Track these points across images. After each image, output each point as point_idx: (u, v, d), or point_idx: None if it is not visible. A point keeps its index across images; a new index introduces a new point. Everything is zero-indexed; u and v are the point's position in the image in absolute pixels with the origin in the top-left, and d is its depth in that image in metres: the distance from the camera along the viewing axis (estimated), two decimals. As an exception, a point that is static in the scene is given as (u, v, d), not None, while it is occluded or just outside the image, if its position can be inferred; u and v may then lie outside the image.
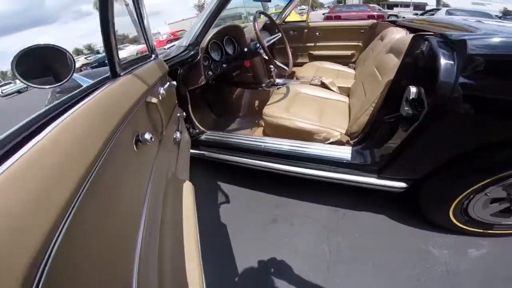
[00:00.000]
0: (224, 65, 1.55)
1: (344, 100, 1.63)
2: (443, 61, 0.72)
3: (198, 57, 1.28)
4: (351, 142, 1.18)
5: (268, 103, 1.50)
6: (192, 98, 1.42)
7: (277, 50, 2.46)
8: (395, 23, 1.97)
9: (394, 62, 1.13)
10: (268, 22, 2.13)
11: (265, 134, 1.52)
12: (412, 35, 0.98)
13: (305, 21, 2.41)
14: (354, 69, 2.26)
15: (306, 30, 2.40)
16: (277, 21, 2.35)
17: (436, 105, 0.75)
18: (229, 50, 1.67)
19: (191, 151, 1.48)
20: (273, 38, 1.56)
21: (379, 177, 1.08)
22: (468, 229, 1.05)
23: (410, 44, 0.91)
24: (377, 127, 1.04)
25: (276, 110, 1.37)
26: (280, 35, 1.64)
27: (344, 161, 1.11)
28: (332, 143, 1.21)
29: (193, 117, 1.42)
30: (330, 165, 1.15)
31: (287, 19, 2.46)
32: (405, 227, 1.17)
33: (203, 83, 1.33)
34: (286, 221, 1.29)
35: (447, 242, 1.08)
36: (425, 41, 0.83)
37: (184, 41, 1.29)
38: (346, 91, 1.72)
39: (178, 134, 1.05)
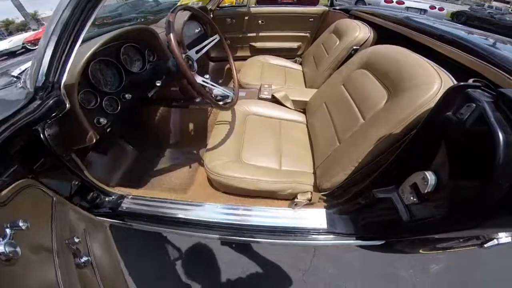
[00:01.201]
0: (127, 97, 1.04)
1: (301, 120, 1.38)
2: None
3: (67, 106, 0.73)
4: (324, 203, 0.95)
5: (209, 146, 1.11)
6: (85, 152, 0.92)
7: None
8: (348, 12, 1.75)
9: (377, 91, 0.88)
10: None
11: (210, 182, 1.17)
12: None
13: (245, 5, 1.94)
14: (300, 63, 2.01)
15: (246, 18, 1.95)
16: (210, 6, 1.82)
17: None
18: (135, 66, 1.13)
19: (113, 221, 1.03)
20: (205, 46, 1.12)
21: (357, 239, 0.91)
22: (432, 253, 1.14)
23: (442, 101, 0.57)
24: (361, 196, 0.82)
25: (223, 166, 1.02)
26: (217, 38, 1.20)
27: (320, 231, 0.89)
28: (299, 202, 0.96)
29: (96, 183, 0.94)
30: (299, 235, 0.91)
31: (223, 2, 1.95)
32: (373, 253, 1.24)
33: (94, 141, 0.84)
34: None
35: (411, 262, 1.27)
36: (467, 99, 0.50)
37: (28, 82, 0.68)
38: (301, 106, 1.46)
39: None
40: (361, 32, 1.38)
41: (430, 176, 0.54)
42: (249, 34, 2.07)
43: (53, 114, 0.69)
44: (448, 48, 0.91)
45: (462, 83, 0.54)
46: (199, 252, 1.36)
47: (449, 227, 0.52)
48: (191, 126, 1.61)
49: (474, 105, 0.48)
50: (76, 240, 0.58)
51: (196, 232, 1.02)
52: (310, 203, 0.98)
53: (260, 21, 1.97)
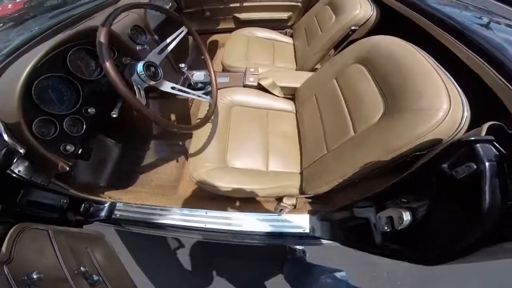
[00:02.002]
0: (90, 111, 0.88)
1: (289, 108, 1.29)
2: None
3: (21, 152, 0.66)
4: (308, 207, 0.94)
5: (191, 149, 1.05)
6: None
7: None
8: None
9: (373, 98, 0.78)
10: None
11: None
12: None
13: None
14: (291, 36, 1.82)
15: (226, -15, 1.69)
16: None
17: None
18: (92, 71, 0.93)
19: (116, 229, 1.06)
20: (169, 44, 0.94)
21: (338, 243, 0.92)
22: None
23: (442, 152, 0.50)
24: (342, 209, 0.80)
25: (208, 174, 0.97)
26: (182, 32, 1.00)
27: (303, 235, 0.90)
28: (284, 208, 0.96)
29: (85, 196, 0.97)
30: (283, 238, 0.93)
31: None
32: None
33: (67, 169, 0.77)
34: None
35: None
36: (470, 157, 0.44)
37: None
38: (290, 92, 1.36)
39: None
40: (361, 9, 1.19)
41: (406, 217, 0.54)
42: (231, 5, 1.81)
43: (13, 159, 0.63)
44: (472, 57, 0.73)
45: (472, 138, 0.44)
46: (193, 250, 1.43)
47: (416, 261, 0.53)
48: (172, 116, 1.51)
49: (475, 166, 0.43)
50: (83, 269, 0.61)
51: (186, 236, 1.07)
52: (294, 209, 1.00)
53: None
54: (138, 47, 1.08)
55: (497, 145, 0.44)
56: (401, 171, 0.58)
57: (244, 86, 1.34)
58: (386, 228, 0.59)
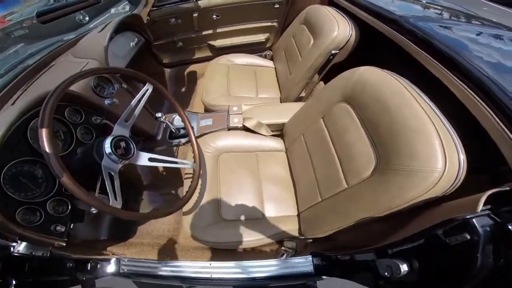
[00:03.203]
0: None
1: (279, 147, 1.23)
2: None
3: (12, 249, 0.66)
4: (310, 248, 0.93)
5: (182, 211, 1.00)
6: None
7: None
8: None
9: (364, 148, 0.73)
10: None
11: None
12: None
13: (189, 0, 1.56)
14: (271, 58, 1.73)
15: (195, 14, 1.59)
16: (138, 11, 1.45)
17: None
18: (62, 142, 0.83)
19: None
20: (135, 107, 0.85)
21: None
22: None
23: (439, 225, 0.51)
24: (342, 251, 0.80)
25: (204, 231, 0.96)
26: (148, 90, 0.90)
27: (308, 275, 0.92)
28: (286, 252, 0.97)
29: (88, 257, 0.94)
30: (288, 281, 0.95)
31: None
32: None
33: (64, 244, 0.79)
34: None
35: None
36: (464, 228, 0.46)
37: None
38: (277, 128, 1.29)
39: None
40: (340, 30, 1.11)
41: (403, 268, 0.56)
42: (204, 33, 1.71)
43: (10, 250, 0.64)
44: (464, 91, 0.67)
45: (468, 216, 0.42)
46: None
47: None
48: (160, 167, 1.46)
49: (469, 237, 0.44)
50: None
51: (194, 286, 1.07)
52: (296, 254, 0.98)
53: (214, 16, 1.60)
54: (107, 101, 0.96)
55: (493, 216, 0.45)
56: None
57: (229, 129, 1.28)
58: (385, 273, 0.61)
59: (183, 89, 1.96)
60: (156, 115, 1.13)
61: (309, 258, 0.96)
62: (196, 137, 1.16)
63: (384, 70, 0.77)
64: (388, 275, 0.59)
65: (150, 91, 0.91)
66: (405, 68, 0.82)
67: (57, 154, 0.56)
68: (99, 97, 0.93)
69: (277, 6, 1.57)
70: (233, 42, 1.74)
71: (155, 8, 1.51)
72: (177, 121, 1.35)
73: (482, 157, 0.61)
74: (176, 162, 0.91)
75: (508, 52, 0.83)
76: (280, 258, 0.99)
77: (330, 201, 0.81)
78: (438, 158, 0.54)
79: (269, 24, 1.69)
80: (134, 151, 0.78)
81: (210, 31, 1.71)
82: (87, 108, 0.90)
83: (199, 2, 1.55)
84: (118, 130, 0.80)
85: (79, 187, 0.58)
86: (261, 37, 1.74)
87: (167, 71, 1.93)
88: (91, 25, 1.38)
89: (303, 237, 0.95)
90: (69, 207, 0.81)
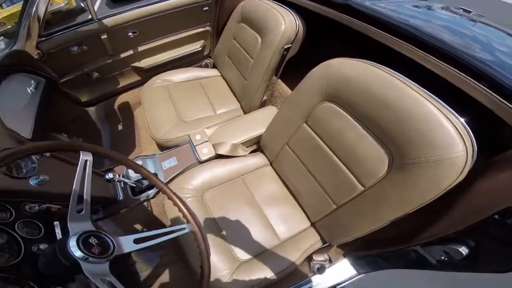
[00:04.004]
0: None
1: (262, 162, 1.11)
2: None
3: None
4: (343, 252, 0.91)
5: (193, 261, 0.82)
6: None
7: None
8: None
9: (368, 146, 0.68)
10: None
11: None
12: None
13: (91, 19, 1.21)
14: (214, 66, 1.55)
15: (104, 36, 1.25)
16: (20, 46, 1.06)
17: None
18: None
19: None
20: (81, 192, 0.59)
21: None
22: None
23: None
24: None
25: (227, 280, 0.81)
26: (87, 160, 0.64)
27: (354, 277, 0.95)
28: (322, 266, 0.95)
29: None
30: None
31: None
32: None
33: None
34: None
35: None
36: None
37: None
38: (253, 142, 1.15)
39: None
40: (287, 23, 1.01)
41: (464, 250, 0.59)
42: (123, 55, 1.38)
43: None
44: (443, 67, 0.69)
45: None
46: None
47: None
48: (140, 224, 1.15)
49: None
50: None
51: None
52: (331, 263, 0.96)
53: (130, 34, 1.30)
54: (32, 182, 0.67)
55: None
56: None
57: (201, 162, 1.07)
58: (442, 257, 0.63)
59: (120, 127, 1.60)
60: (106, 176, 0.87)
61: (348, 261, 0.97)
62: (167, 183, 0.93)
63: (358, 60, 0.72)
64: (446, 259, 0.61)
65: (91, 160, 0.64)
66: (363, 51, 0.80)
67: None
68: (18, 180, 0.65)
69: (205, 8, 1.36)
70: (163, 59, 1.47)
71: (44, 39, 1.13)
72: (132, 173, 1.07)
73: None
74: (167, 233, 0.69)
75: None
76: (319, 272, 0.95)
77: (349, 206, 0.76)
78: (457, 141, 0.52)
79: (202, 29, 1.47)
80: (112, 241, 0.54)
81: (131, 52, 1.39)
82: (11, 199, 0.61)
83: (104, 21, 1.22)
84: (76, 227, 0.54)
85: None
86: (196, 46, 1.51)
87: (91, 110, 1.53)
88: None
89: (330, 247, 0.91)
90: None
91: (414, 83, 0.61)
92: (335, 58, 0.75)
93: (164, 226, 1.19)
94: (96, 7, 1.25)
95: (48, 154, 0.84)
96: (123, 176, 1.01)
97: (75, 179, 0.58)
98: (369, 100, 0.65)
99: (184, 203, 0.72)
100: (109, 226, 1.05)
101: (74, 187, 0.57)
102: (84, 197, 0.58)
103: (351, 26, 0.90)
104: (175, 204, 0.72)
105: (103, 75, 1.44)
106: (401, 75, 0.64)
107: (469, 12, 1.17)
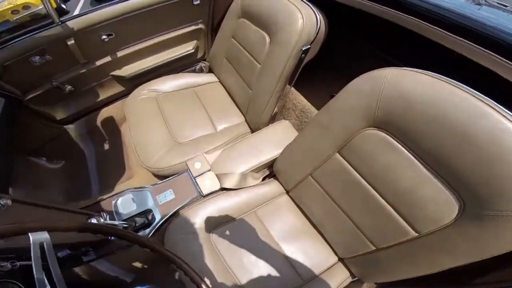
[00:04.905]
0: None
1: (277, 190, 0.93)
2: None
3: None
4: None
5: None
6: None
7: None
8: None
9: (430, 188, 0.53)
10: None
11: None
12: None
13: (50, 22, 0.95)
14: (210, 71, 1.31)
15: (71, 41, 1.00)
16: None
17: None
18: None
19: None
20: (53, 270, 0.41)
21: None
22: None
23: None
24: None
25: None
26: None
27: None
28: None
29: None
30: None
31: None
32: None
33: None
34: None
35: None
36: None
37: None
38: (264, 167, 0.95)
39: None
40: (305, 18, 0.78)
41: None
42: (98, 63, 1.13)
43: None
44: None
45: None
46: None
47: None
48: (137, 264, 0.97)
49: None
50: None
51: None
52: None
53: (104, 37, 1.04)
54: None
55: None
56: None
57: (204, 196, 0.88)
58: None
59: (106, 147, 1.38)
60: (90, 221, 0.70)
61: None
62: (163, 223, 0.81)
63: (421, 71, 0.52)
64: None
65: (48, 242, 0.44)
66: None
67: None
68: None
69: (197, 2, 1.10)
70: (149, 65, 1.22)
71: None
72: (123, 206, 0.87)
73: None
74: None
75: None
76: None
77: (394, 250, 0.63)
78: None
79: (193, 28, 1.20)
80: None
81: (108, 59, 1.14)
82: None
83: (69, 23, 0.97)
84: None
85: None
86: (187, 48, 1.25)
87: (70, 128, 1.31)
88: None
89: (357, 279, 0.80)
90: None
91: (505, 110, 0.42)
92: (386, 68, 0.55)
93: (167, 264, 1.02)
94: (79, 7, 1.00)
95: (9, 202, 0.64)
96: (111, 217, 0.82)
97: (33, 268, 0.40)
98: (440, 131, 0.47)
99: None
100: (103, 265, 0.89)
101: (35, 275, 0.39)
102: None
103: (396, 21, 0.67)
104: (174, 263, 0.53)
105: (78, 87, 1.20)
106: (486, 97, 0.44)
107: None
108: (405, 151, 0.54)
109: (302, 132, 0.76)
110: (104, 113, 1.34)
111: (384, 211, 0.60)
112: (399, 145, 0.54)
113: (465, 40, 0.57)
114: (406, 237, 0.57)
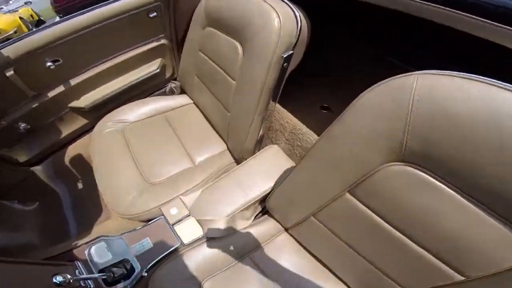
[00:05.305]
0: None
1: (275, 228, 0.79)
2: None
3: None
4: None
5: None
6: None
7: None
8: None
9: (478, 229, 0.40)
10: None
11: None
12: None
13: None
14: (183, 91, 1.14)
15: (10, 72, 0.82)
16: None
17: None
18: None
19: None
20: None
21: None
22: None
23: None
24: None
25: None
26: None
27: None
28: None
29: None
30: None
31: None
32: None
33: None
34: None
35: None
36: None
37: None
38: (256, 202, 0.78)
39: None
40: (281, 17, 0.62)
41: None
42: (51, 94, 0.96)
43: None
44: None
45: None
46: None
47: None
48: None
49: None
50: None
51: None
52: None
53: (49, 63, 0.87)
54: None
55: None
56: None
57: (186, 245, 0.72)
58: None
59: (80, 186, 1.23)
60: (54, 280, 0.55)
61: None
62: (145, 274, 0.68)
63: (452, 73, 0.35)
64: None
65: None
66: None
67: None
68: None
69: (153, 15, 0.93)
70: (109, 91, 1.04)
71: None
72: (98, 255, 0.73)
73: None
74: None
75: None
76: None
77: None
78: None
79: (155, 44, 1.03)
80: None
81: (61, 88, 0.97)
82: None
83: (3, 50, 0.80)
84: None
85: None
86: (152, 68, 1.07)
87: (38, 170, 1.16)
88: None
89: None
90: None
91: None
92: (410, 74, 0.38)
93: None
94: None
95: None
96: (86, 267, 0.68)
97: None
98: (495, 159, 0.32)
99: None
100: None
101: None
102: None
103: (409, 12, 0.51)
104: None
105: (35, 124, 1.03)
106: None
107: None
108: (448, 189, 0.38)
109: (298, 167, 0.60)
110: (71, 150, 1.18)
111: (419, 257, 0.45)
112: (438, 182, 0.38)
113: None
114: (446, 281, 0.44)
